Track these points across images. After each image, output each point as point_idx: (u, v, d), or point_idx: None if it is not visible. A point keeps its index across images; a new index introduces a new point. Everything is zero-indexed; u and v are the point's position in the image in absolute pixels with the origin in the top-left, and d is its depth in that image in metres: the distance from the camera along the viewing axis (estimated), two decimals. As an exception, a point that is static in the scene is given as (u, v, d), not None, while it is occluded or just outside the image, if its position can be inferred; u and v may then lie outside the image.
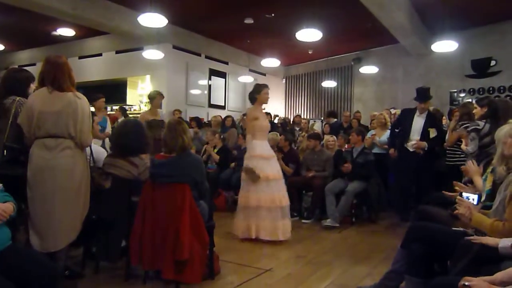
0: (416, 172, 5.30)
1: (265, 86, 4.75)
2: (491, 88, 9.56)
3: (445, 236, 2.37)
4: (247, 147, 4.74)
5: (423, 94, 5.41)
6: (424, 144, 5.25)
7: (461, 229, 2.44)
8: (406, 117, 5.50)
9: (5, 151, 2.84)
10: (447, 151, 5.41)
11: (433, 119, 5.42)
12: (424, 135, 5.27)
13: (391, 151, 5.70)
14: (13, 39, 10.76)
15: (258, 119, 4.64)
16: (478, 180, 2.92)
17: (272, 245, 4.41)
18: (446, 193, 3.09)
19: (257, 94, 4.69)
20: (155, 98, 5.74)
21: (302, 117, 10.77)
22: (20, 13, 7.89)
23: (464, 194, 2.60)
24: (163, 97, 5.91)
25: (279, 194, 4.53)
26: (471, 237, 2.16)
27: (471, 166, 3.02)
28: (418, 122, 5.35)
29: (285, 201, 4.59)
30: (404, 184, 5.52)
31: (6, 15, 8.49)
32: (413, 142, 5.29)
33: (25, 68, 4.54)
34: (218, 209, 6.06)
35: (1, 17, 8.67)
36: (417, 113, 5.41)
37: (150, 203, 2.98)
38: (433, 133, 5.23)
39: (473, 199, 2.58)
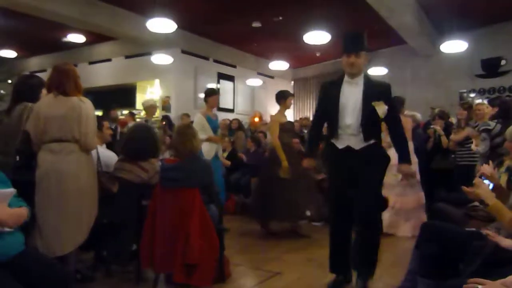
0: (353, 179, 3.00)
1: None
2: (501, 88, 9.47)
3: (458, 236, 2.34)
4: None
5: (352, 41, 3.11)
6: (409, 168, 3.19)
7: (475, 229, 2.42)
8: (328, 93, 3.16)
9: (17, 156, 2.88)
10: (457, 151, 5.37)
11: (377, 87, 3.05)
12: (367, 115, 2.95)
13: (305, 161, 3.45)
14: (24, 45, 10.89)
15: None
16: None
17: (282, 248, 4.41)
18: (465, 188, 2.94)
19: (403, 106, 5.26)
20: (287, 98, 4.97)
21: (311, 119, 10.73)
22: (31, 20, 8.00)
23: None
24: (294, 96, 5.34)
25: (419, 194, 5.09)
26: (488, 232, 2.13)
27: (486, 169, 2.97)
28: (351, 95, 3.02)
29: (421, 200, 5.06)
30: (338, 201, 3.16)
31: (18, 22, 8.61)
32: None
33: (36, 74, 4.60)
34: (228, 212, 6.07)
35: (13, 24, 8.79)
36: (346, 79, 3.09)
37: (160, 207, 3.00)
38: (381, 108, 2.94)
39: (489, 185, 2.54)
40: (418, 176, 5.09)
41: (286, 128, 4.96)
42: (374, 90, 3.00)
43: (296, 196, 4.70)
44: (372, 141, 2.99)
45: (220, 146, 5.48)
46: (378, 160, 3.04)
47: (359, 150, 2.98)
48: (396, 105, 3.60)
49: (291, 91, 13.39)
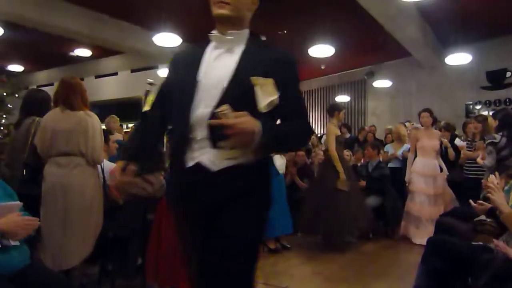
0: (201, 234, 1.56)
1: (424, 110, 5.38)
2: (507, 100, 9.43)
3: (465, 250, 2.31)
4: (408, 163, 5.42)
5: None
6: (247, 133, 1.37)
7: (482, 243, 2.39)
8: (179, 63, 1.71)
9: (24, 170, 2.90)
10: (465, 164, 5.33)
11: (267, 55, 1.59)
12: (238, 102, 1.42)
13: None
14: (32, 60, 11.04)
15: (419, 140, 5.27)
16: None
17: (289, 262, 4.37)
18: (473, 203, 2.79)
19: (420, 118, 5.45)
20: (340, 111, 5.10)
21: (316, 132, 10.76)
22: (38, 35, 8.11)
23: None
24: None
25: (433, 208, 5.10)
26: (497, 243, 2.09)
27: (492, 180, 2.93)
28: (216, 68, 1.55)
29: (433, 214, 4.92)
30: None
31: (25, 36, 8.73)
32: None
33: (43, 88, 4.65)
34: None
35: (20, 38, 8.91)
36: (215, 37, 1.66)
37: (165, 220, 2.99)
38: (267, 91, 1.49)
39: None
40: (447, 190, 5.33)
41: (339, 141, 5.01)
42: (260, 59, 1.56)
43: (349, 210, 4.71)
44: (248, 158, 1.49)
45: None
46: (258, 202, 1.56)
47: (219, 175, 1.49)
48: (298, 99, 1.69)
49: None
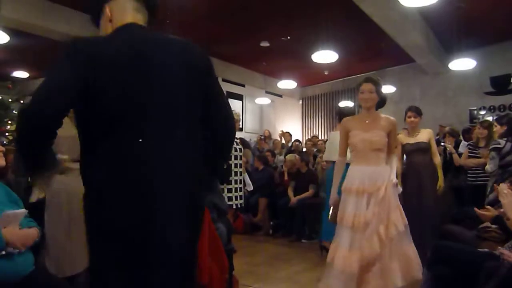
0: None
1: (366, 79, 3.18)
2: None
3: (471, 257, 2.30)
4: (334, 173, 3.25)
5: None
6: None
7: (488, 250, 2.37)
8: None
9: (29, 177, 2.92)
10: (470, 170, 5.27)
11: None
12: None
13: None
14: (37, 66, 11.10)
15: (350, 132, 3.11)
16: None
17: (292, 268, 4.36)
18: (478, 211, 2.74)
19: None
20: None
21: (319, 138, 10.76)
22: (44, 41, 8.16)
23: None
24: None
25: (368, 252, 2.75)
26: (502, 251, 2.08)
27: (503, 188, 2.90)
28: None
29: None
30: None
31: (31, 43, 8.79)
32: None
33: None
34: (236, 231, 6.02)
35: (26, 45, 8.97)
36: None
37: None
38: None
39: None
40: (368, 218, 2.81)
41: None
42: None
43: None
44: None
45: None
46: None
47: None
48: None
49: (300, 110, 13.49)
